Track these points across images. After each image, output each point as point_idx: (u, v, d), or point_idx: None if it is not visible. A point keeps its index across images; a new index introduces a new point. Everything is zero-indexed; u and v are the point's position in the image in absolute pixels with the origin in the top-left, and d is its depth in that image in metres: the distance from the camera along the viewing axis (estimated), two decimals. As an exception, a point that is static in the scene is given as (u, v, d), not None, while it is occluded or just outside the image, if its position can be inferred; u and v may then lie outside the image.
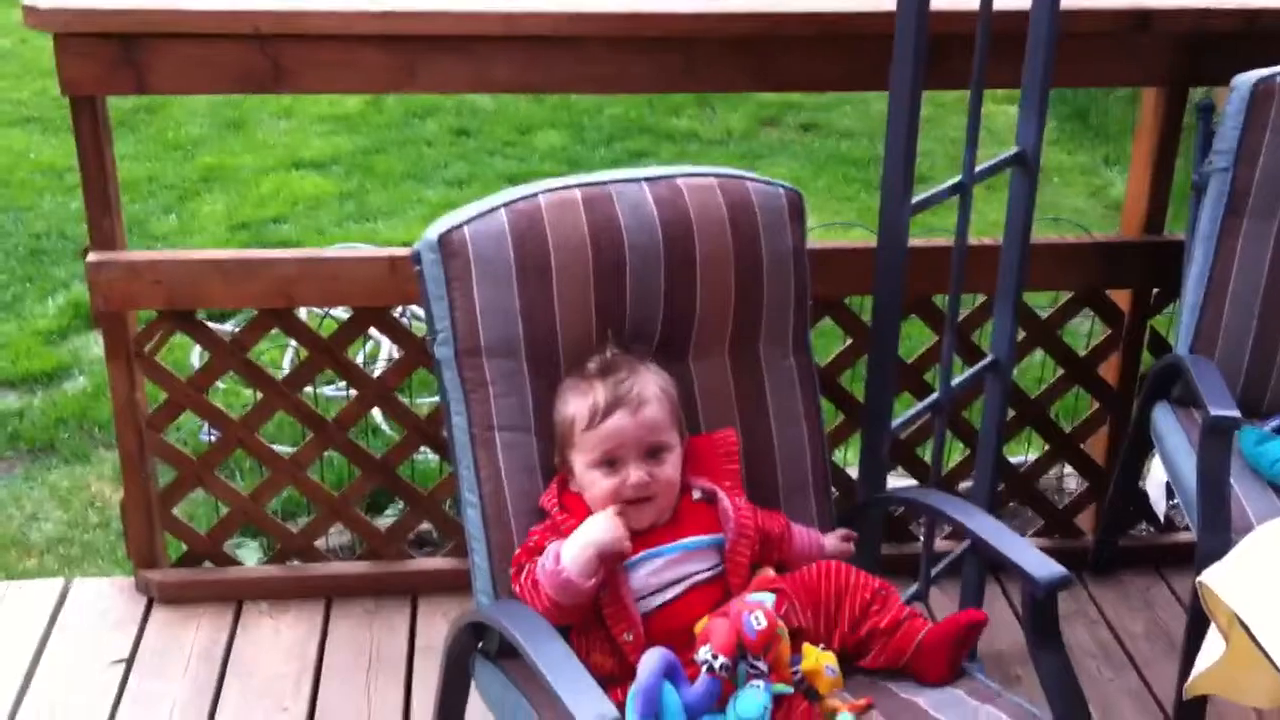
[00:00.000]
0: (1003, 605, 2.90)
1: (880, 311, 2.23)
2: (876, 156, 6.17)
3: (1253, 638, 1.67)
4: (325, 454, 2.91)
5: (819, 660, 1.86)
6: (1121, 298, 2.89)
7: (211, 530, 2.91)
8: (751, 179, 2.10)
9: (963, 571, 2.64)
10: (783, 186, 2.11)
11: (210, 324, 2.97)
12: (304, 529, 2.93)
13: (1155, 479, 2.57)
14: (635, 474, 1.91)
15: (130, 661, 2.74)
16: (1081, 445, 3.01)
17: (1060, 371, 2.95)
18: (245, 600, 2.90)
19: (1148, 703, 2.67)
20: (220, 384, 3.34)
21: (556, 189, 2.01)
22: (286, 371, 3.29)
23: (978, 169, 2.31)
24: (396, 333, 2.79)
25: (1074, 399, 3.12)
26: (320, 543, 2.95)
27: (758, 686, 1.77)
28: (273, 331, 2.78)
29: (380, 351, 3.85)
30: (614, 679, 1.85)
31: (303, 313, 3.02)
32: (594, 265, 1.99)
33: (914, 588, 2.62)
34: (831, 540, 2.09)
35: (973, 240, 2.58)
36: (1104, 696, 2.69)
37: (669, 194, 2.04)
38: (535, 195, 1.99)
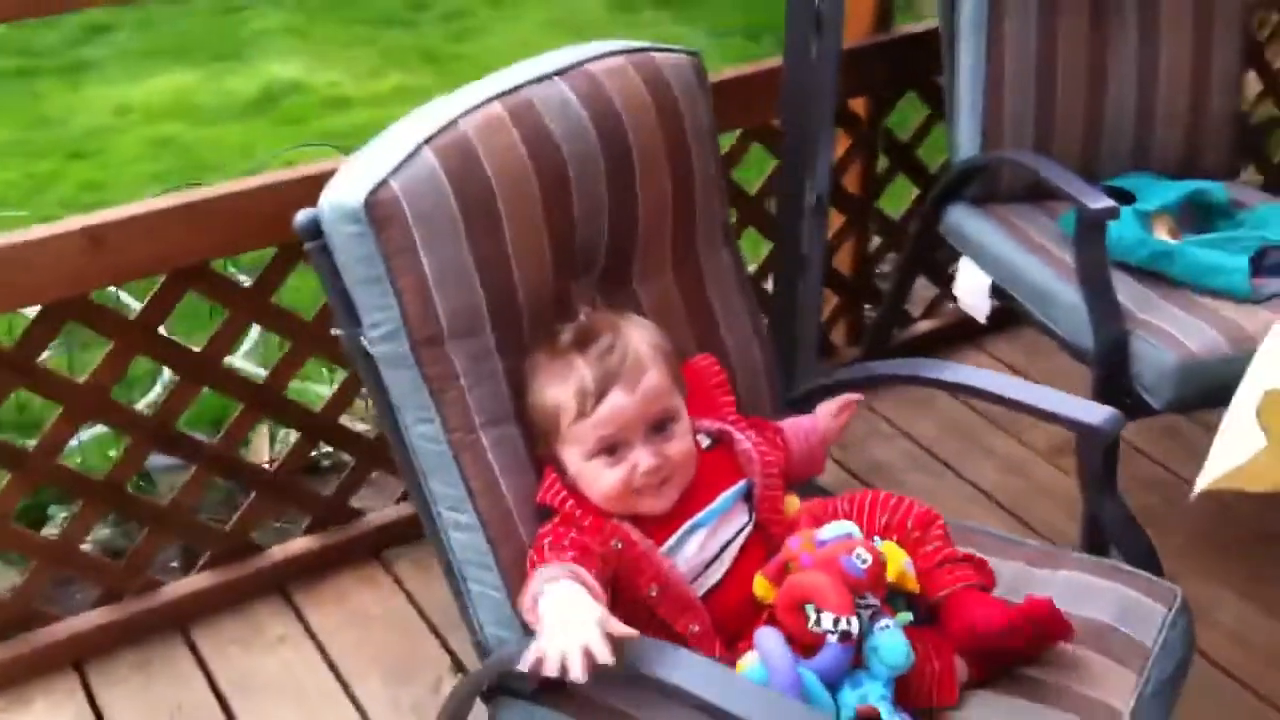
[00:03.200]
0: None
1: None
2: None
3: None
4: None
5: (897, 560, 1.63)
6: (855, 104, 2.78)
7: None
8: (654, 49, 1.74)
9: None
10: (685, 52, 1.77)
11: None
12: (18, 592, 2.26)
13: (968, 282, 2.51)
14: (645, 460, 1.55)
15: None
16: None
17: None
18: (-34, 707, 2.22)
19: (976, 496, 2.69)
20: None
21: (473, 109, 1.55)
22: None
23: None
24: (104, 323, 2.15)
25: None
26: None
27: (887, 626, 1.54)
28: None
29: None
30: None
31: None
32: (540, 192, 1.58)
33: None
34: (825, 420, 1.82)
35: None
36: (941, 503, 2.66)
37: (589, 86, 1.64)
38: (454, 122, 1.53)
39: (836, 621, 1.49)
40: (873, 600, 1.55)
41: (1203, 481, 1.88)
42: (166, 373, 2.97)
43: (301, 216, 1.49)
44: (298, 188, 2.16)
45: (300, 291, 2.69)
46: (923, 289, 3.08)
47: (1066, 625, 1.60)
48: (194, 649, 2.33)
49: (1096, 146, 2.56)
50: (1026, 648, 1.59)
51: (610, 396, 1.54)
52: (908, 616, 1.58)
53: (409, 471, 1.58)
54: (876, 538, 1.65)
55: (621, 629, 1.38)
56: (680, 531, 1.58)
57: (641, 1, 5.91)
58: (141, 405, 2.71)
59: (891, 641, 1.53)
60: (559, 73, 1.64)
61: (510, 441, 1.57)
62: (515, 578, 1.56)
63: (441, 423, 1.52)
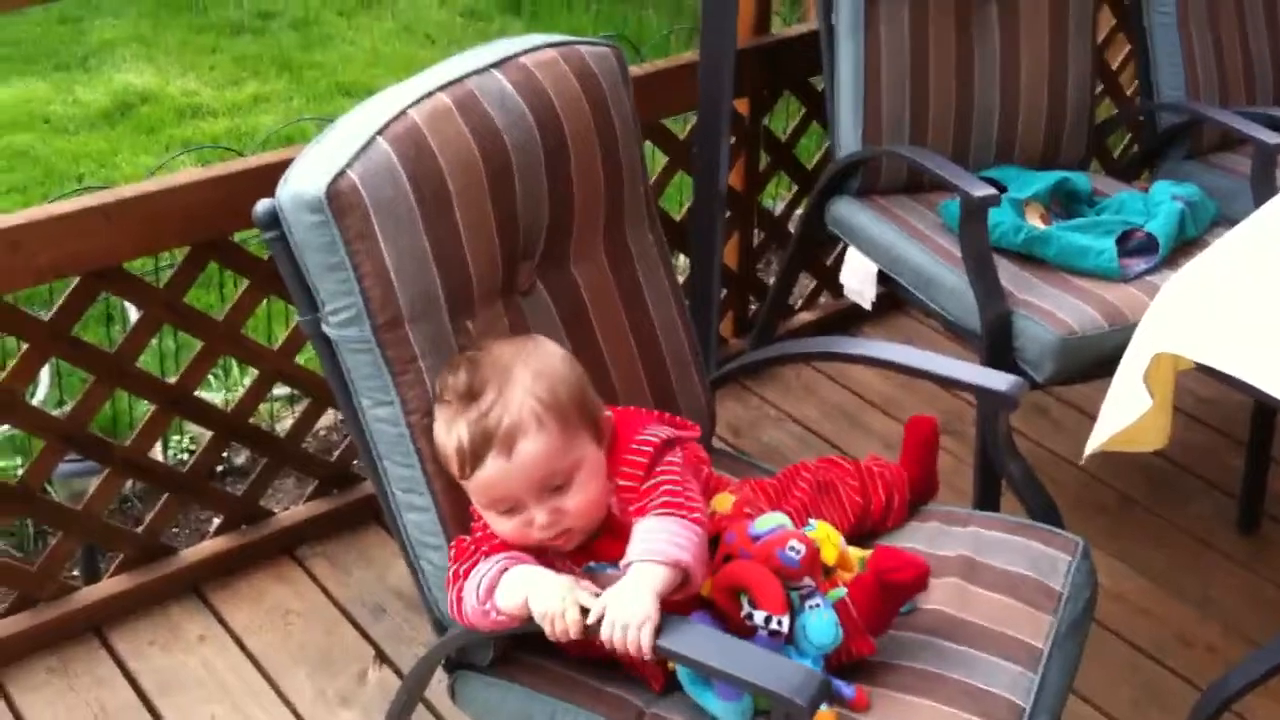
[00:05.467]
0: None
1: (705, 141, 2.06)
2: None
3: (1224, 375, 1.81)
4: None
5: (833, 541, 1.74)
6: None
7: None
8: (578, 42, 1.82)
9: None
10: (606, 45, 1.85)
11: None
12: (-70, 604, 2.23)
13: (856, 269, 2.65)
14: (540, 516, 1.52)
15: None
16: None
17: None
18: (-118, 721, 2.18)
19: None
20: None
21: (420, 99, 1.61)
22: None
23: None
24: (17, 325, 2.14)
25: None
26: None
27: (817, 606, 1.62)
28: None
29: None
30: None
31: None
32: (487, 178, 1.65)
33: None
34: None
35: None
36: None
37: (524, 78, 1.71)
38: (404, 112, 1.59)
39: (768, 619, 1.55)
40: (808, 582, 1.63)
41: (1093, 444, 2.03)
42: (45, 376, 2.95)
43: (260, 207, 1.53)
44: (210, 188, 2.20)
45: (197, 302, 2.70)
46: (802, 281, 3.22)
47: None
48: (112, 652, 2.33)
49: (966, 141, 2.72)
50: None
51: (487, 463, 1.50)
52: (840, 593, 1.67)
53: (365, 454, 1.63)
54: (811, 520, 1.75)
55: (587, 587, 1.48)
56: (588, 566, 1.58)
57: (491, 9, 5.97)
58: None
59: (819, 622, 1.60)
60: (495, 65, 1.70)
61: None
62: (469, 556, 1.62)
63: (400, 405, 1.58)
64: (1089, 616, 1.78)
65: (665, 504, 1.53)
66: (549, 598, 1.46)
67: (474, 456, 1.50)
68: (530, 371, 1.53)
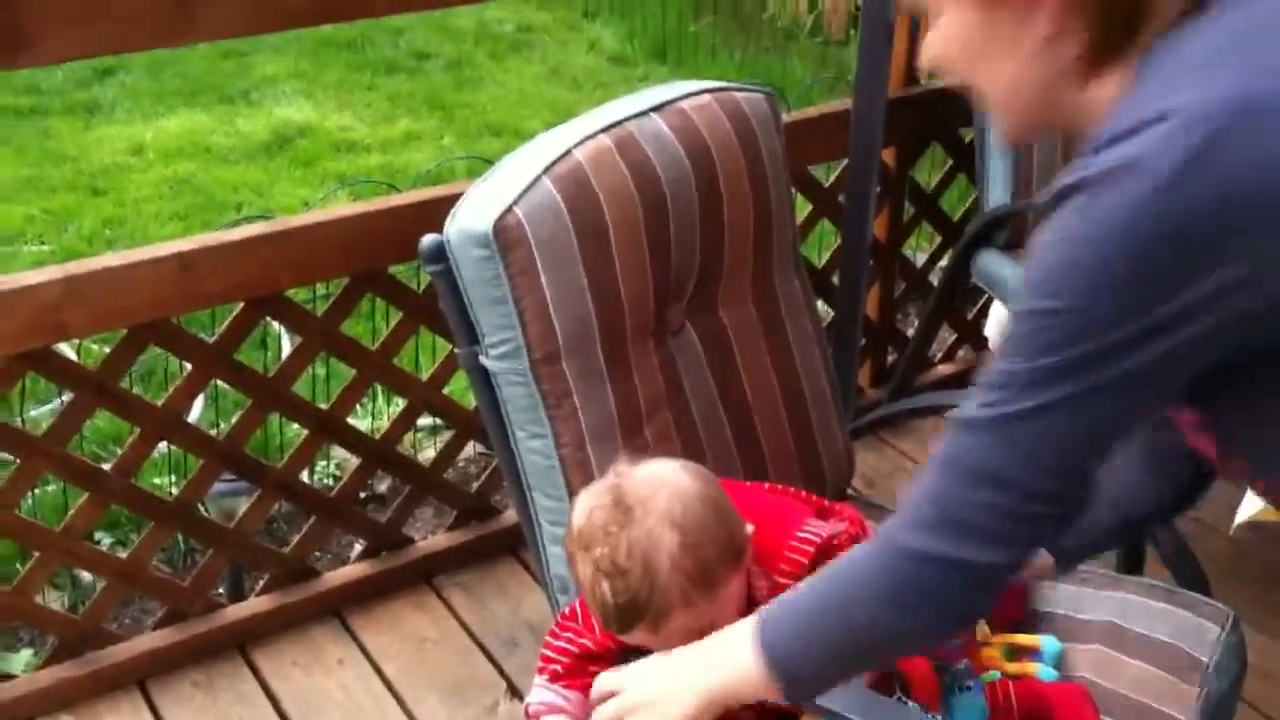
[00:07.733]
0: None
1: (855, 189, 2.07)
2: (365, 36, 5.73)
3: None
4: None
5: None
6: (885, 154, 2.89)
7: (-33, 648, 2.23)
8: (734, 88, 1.85)
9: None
10: (760, 91, 1.88)
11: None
12: (89, 609, 2.31)
13: (1001, 323, 2.63)
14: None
15: None
16: (856, 305, 3.03)
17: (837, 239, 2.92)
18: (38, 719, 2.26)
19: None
20: None
21: (584, 140, 1.65)
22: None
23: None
24: (184, 347, 2.23)
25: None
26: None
27: (969, 689, 1.60)
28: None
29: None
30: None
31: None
32: (644, 217, 1.68)
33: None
34: None
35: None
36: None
37: (681, 121, 1.75)
38: (568, 152, 1.63)
39: (924, 708, 1.54)
40: (965, 664, 1.61)
41: (1243, 514, 2.00)
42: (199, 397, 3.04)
43: (427, 241, 1.58)
44: (370, 221, 2.27)
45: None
46: (941, 334, 3.20)
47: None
48: (255, 670, 2.39)
49: (1120, 197, 2.69)
50: None
51: (633, 632, 1.47)
52: (993, 676, 1.64)
53: (515, 485, 1.66)
54: None
55: None
56: None
57: (638, 56, 6.04)
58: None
59: (969, 706, 1.58)
60: (654, 109, 1.75)
61: (613, 461, 1.65)
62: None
63: (554, 438, 1.61)
64: (1236, 692, 1.73)
65: None
66: None
67: (620, 625, 1.46)
68: (676, 535, 1.42)
